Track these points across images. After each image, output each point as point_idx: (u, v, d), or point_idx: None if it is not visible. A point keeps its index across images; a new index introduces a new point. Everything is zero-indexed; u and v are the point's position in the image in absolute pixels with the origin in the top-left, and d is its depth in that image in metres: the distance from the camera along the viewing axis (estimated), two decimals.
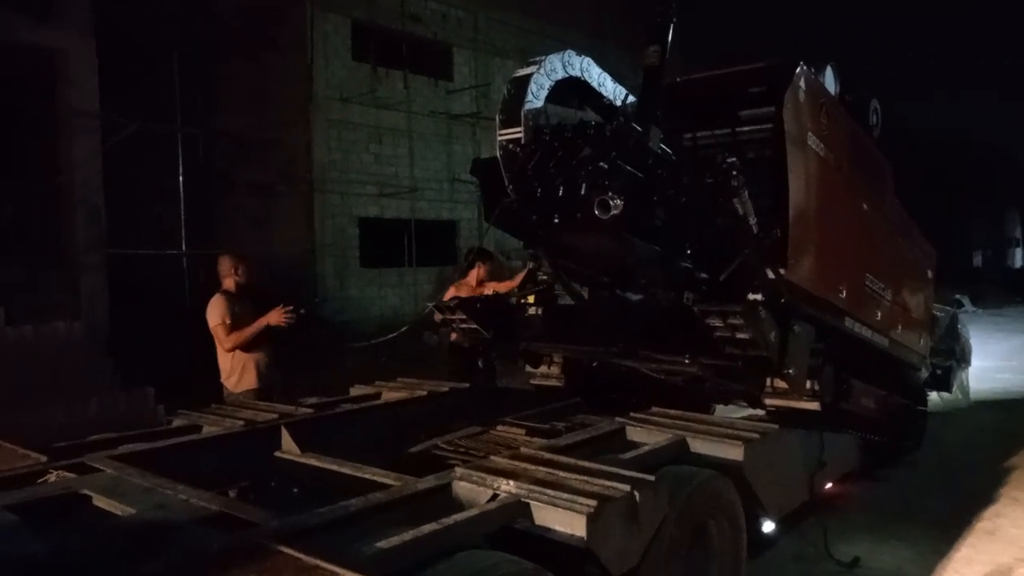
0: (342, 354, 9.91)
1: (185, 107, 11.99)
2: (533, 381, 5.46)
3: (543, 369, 5.41)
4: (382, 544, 2.22)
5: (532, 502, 2.63)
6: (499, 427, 4.29)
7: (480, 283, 6.38)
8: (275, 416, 4.00)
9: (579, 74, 4.34)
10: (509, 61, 16.42)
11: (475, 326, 5.08)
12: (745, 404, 4.93)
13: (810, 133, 4.04)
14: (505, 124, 4.14)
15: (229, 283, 5.04)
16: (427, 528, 2.34)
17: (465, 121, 15.61)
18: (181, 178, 11.71)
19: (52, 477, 3.01)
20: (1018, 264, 32.75)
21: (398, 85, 14.22)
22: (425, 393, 4.82)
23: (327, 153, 13.39)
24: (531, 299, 5.09)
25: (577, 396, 4.96)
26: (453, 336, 6.11)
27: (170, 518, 2.49)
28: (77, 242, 8.76)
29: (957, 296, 8.39)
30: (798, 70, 3.95)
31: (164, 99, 11.74)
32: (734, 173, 3.64)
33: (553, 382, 5.34)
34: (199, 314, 5.14)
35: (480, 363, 5.64)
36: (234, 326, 4.87)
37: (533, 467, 2.92)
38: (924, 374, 6.26)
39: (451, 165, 15.51)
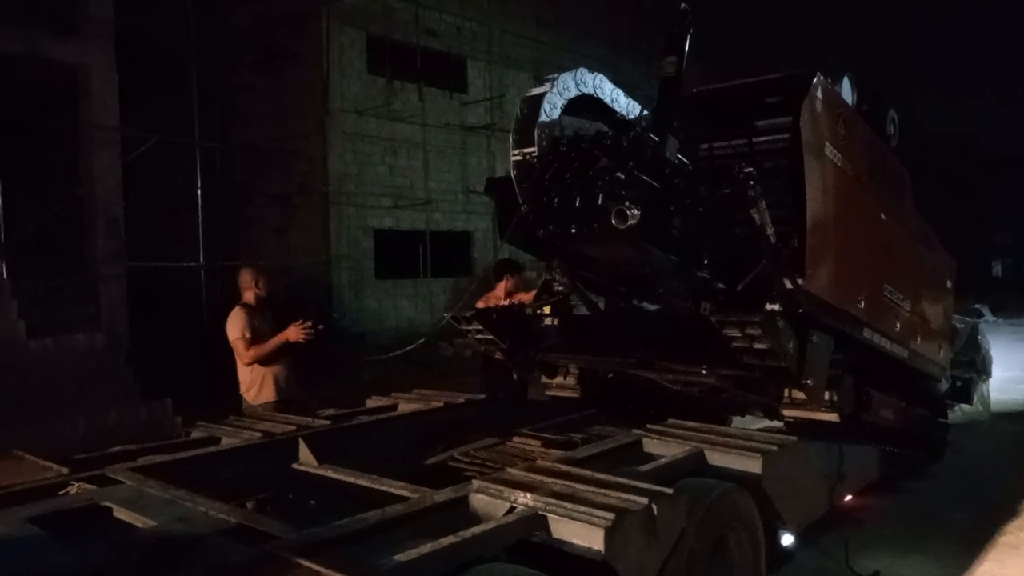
0: (359, 366, 9.95)
1: (203, 120, 12.15)
2: (549, 392, 5.45)
3: (559, 380, 5.40)
4: (400, 557, 2.22)
5: (549, 515, 2.62)
6: (515, 439, 4.27)
7: (508, 295, 6.34)
8: (292, 428, 4.02)
9: (592, 91, 4.34)
10: (523, 73, 16.51)
11: (491, 337, 5.09)
12: (762, 415, 4.90)
13: (827, 143, 4.02)
14: (518, 144, 4.15)
15: (249, 296, 5.07)
16: (445, 541, 2.34)
17: (479, 133, 15.69)
18: (200, 191, 11.84)
19: (73, 489, 3.03)
20: None
21: (413, 98, 14.32)
22: (441, 404, 4.82)
23: (342, 165, 13.49)
24: (547, 310, 5.09)
25: (593, 407, 4.94)
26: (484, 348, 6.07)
27: (191, 531, 2.51)
28: (97, 254, 8.87)
29: (976, 306, 8.29)
30: (815, 80, 3.94)
31: (182, 113, 11.90)
32: (751, 183, 3.63)
33: (569, 393, 5.33)
34: (218, 326, 5.17)
35: (514, 375, 5.63)
36: (254, 340, 4.91)
37: (550, 479, 2.91)
38: (944, 386, 6.19)
39: (465, 177, 15.58)
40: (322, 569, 2.06)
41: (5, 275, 7.71)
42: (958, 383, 6.79)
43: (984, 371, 7.61)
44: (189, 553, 2.33)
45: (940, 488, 5.67)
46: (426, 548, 2.28)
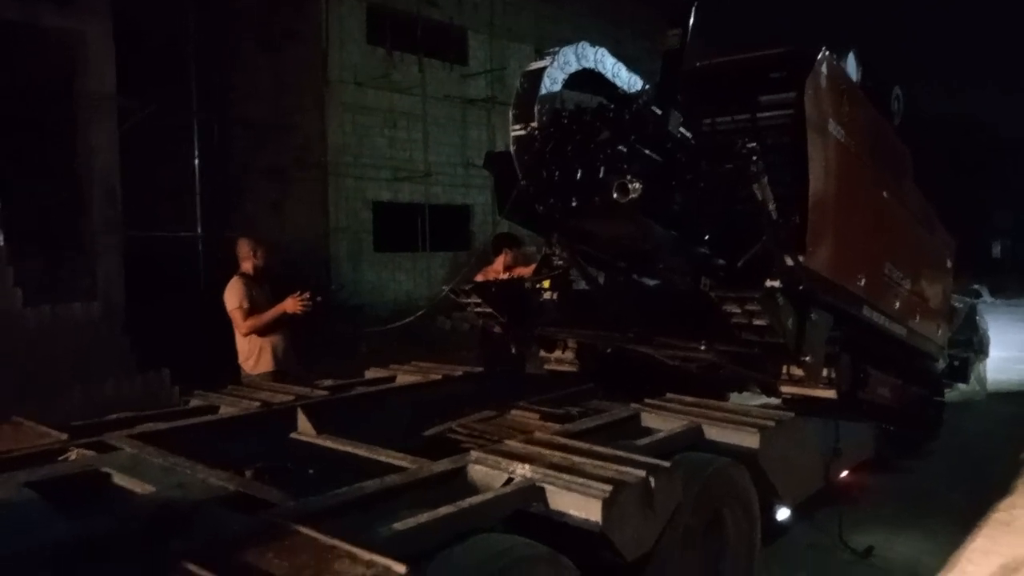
0: (356, 338, 9.94)
1: (201, 93, 12.03)
2: (547, 366, 5.45)
3: (557, 354, 5.40)
4: (398, 525, 2.24)
5: (547, 486, 2.62)
6: (513, 411, 4.28)
7: (507, 269, 6.32)
8: (291, 398, 4.02)
9: (593, 65, 4.30)
10: (525, 46, 16.33)
11: (490, 310, 5.09)
12: (760, 391, 4.91)
13: (831, 119, 3.98)
14: (518, 118, 4.11)
15: (247, 266, 5.06)
16: (443, 510, 2.35)
17: (480, 106, 15.55)
18: (197, 162, 11.76)
19: (72, 455, 3.04)
20: None
21: (413, 69, 14.17)
22: (440, 377, 4.82)
23: (341, 137, 13.38)
24: (546, 284, 5.08)
25: (591, 382, 4.95)
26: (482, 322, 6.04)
27: (189, 497, 2.51)
28: (94, 224, 8.82)
29: (975, 286, 8.27)
30: (820, 55, 3.89)
31: (180, 85, 11.77)
32: (754, 159, 3.61)
33: (567, 367, 5.33)
34: (214, 297, 5.16)
35: (513, 349, 5.63)
36: (251, 310, 4.90)
37: (548, 451, 2.92)
38: (942, 365, 6.20)
39: (465, 150, 15.47)
40: (321, 537, 2.06)
41: (2, 243, 7.66)
42: (955, 362, 6.80)
43: (981, 351, 7.63)
44: (188, 520, 2.33)
45: (936, 467, 5.71)
46: (424, 518, 2.29)
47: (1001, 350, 9.53)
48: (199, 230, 11.77)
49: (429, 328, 11.44)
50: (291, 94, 13.25)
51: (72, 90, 8.78)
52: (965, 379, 7.19)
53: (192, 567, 1.89)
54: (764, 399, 4.70)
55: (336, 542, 2.03)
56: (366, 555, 1.95)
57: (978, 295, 9.88)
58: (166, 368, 7.61)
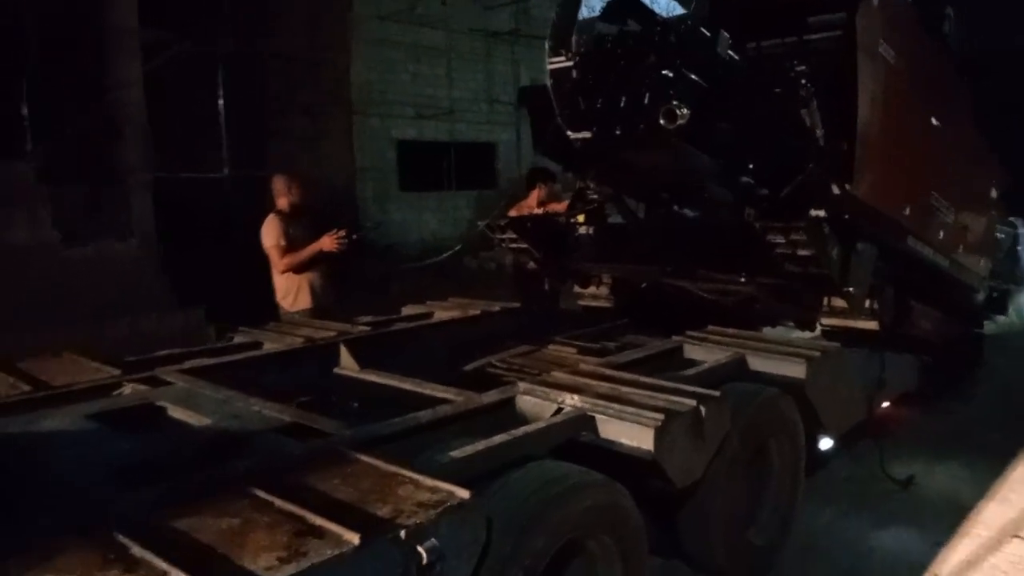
0: (387, 276, 9.98)
1: (232, 26, 11.85)
2: (581, 302, 5.44)
3: (592, 290, 5.39)
4: (455, 453, 2.26)
5: (597, 416, 2.63)
6: (550, 346, 4.29)
7: (541, 204, 6.24)
8: (333, 334, 4.05)
9: None
10: None
11: (525, 245, 5.06)
12: (792, 325, 4.86)
13: (882, 41, 3.83)
14: (555, 49, 3.98)
15: (283, 203, 5.04)
16: (498, 438, 2.37)
17: (504, 40, 15.20)
18: (221, 102, 11.67)
19: (127, 389, 3.10)
20: None
21: (436, 2, 13.83)
22: (478, 312, 4.83)
23: (365, 73, 13.17)
24: (581, 218, 5.03)
25: (625, 317, 4.93)
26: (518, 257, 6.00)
27: (246, 427, 2.56)
28: (126, 162, 8.81)
29: (1011, 218, 8.06)
30: None
31: (209, 19, 11.59)
32: (803, 82, 3.49)
33: (602, 303, 5.33)
34: (245, 237, 5.15)
35: (547, 285, 5.61)
36: (289, 248, 4.91)
37: (596, 382, 2.92)
38: (982, 296, 6.09)
39: (490, 86, 15.20)
40: (382, 464, 2.09)
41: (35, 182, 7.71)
42: (994, 294, 6.67)
43: (1022, 283, 7.47)
44: (247, 446, 2.38)
45: (975, 408, 5.63)
46: (480, 445, 2.31)
47: None
48: (226, 171, 11.74)
49: (456, 267, 11.44)
50: (323, 29, 12.96)
51: (100, 24, 8.66)
52: (1004, 311, 7.05)
53: (258, 491, 1.93)
54: (797, 333, 4.66)
55: (397, 468, 2.06)
56: (429, 481, 1.98)
57: (1013, 227, 9.61)
58: (202, 307, 7.72)
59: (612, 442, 2.59)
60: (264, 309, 5.13)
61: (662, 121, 3.23)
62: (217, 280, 8.44)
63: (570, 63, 3.88)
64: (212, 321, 7.46)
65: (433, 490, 1.95)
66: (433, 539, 1.80)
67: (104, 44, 8.42)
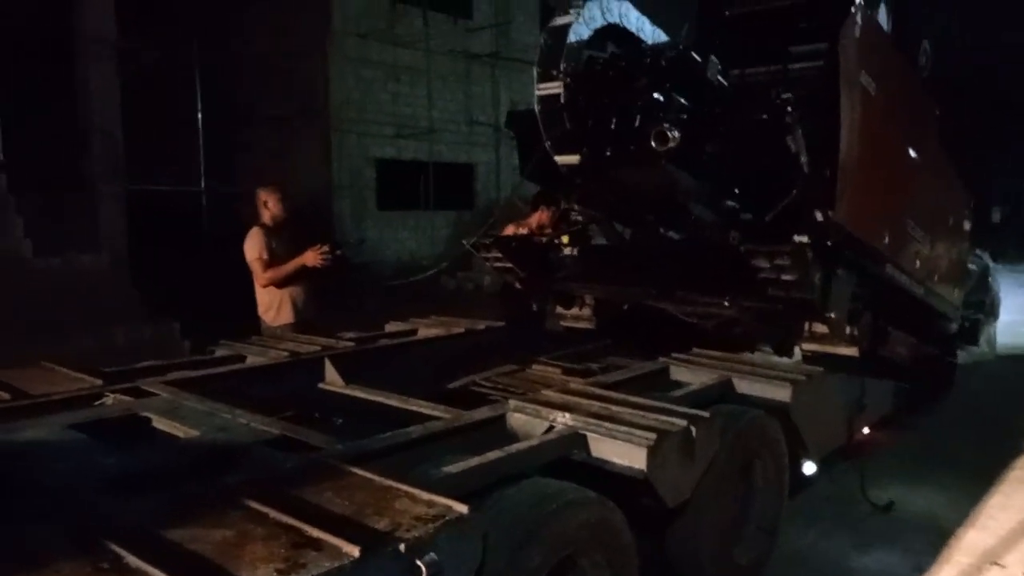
0: (363, 294, 9.92)
1: (202, 40, 11.79)
2: (563, 323, 5.45)
3: (574, 311, 5.40)
4: (450, 468, 2.24)
5: (589, 434, 2.63)
6: (535, 366, 4.30)
7: (540, 228, 6.23)
8: (317, 348, 4.01)
9: (617, 20, 4.19)
10: None
11: (509, 265, 5.06)
12: (770, 350, 4.91)
13: (863, 72, 3.92)
14: (544, 76, 4.01)
15: (266, 216, 5.00)
16: (492, 455, 2.36)
17: (484, 61, 15.31)
18: (199, 112, 11.58)
19: (109, 400, 3.03)
20: None
21: (416, 22, 13.90)
22: (462, 330, 4.82)
23: (344, 91, 13.16)
24: (565, 239, 5.05)
25: (607, 339, 4.95)
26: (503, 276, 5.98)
27: (234, 439, 2.52)
28: (94, 172, 8.68)
29: (978, 251, 8.26)
30: (854, 7, 3.82)
31: (180, 33, 11.52)
32: (789, 109, 3.56)
33: (584, 324, 5.34)
34: (220, 250, 5.09)
35: (534, 306, 5.61)
36: (271, 261, 4.86)
37: (587, 401, 2.93)
38: (955, 326, 6.22)
39: (469, 107, 15.28)
40: (376, 477, 2.07)
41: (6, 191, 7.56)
42: (966, 324, 6.82)
43: (992, 313, 7.65)
44: (237, 458, 2.33)
45: (949, 426, 5.74)
46: (474, 461, 2.30)
47: (1006, 313, 9.55)
48: (202, 184, 11.63)
49: (434, 287, 11.42)
50: (302, 46, 12.91)
51: (71, 31, 8.57)
52: (975, 341, 7.21)
53: (253, 503, 1.89)
54: (775, 358, 4.71)
55: (392, 482, 2.03)
56: (426, 495, 1.96)
57: (982, 259, 9.87)
58: (176, 321, 7.60)
59: (604, 460, 2.59)
60: (242, 323, 5.07)
61: (653, 143, 3.27)
62: (191, 294, 8.33)
63: (559, 89, 3.91)
64: (188, 335, 7.34)
65: (430, 504, 1.93)
66: (432, 553, 1.78)
67: (77, 52, 8.32)
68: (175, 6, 11.51)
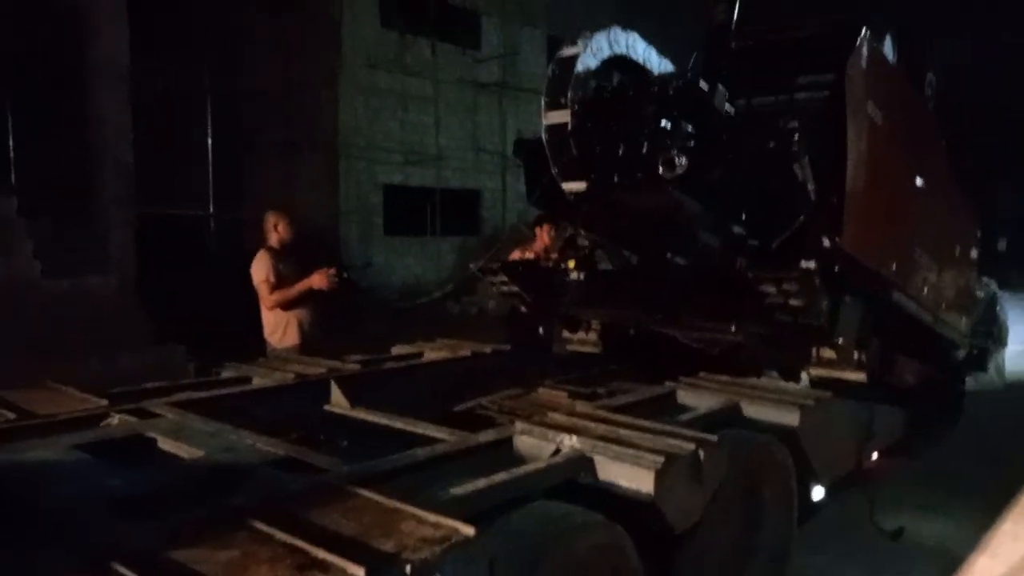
0: (366, 318, 9.93)
1: (213, 66, 11.96)
2: (569, 347, 5.45)
3: (580, 335, 5.40)
4: (457, 490, 2.23)
5: (596, 457, 2.61)
6: (540, 389, 4.29)
7: (547, 253, 6.25)
8: (323, 370, 4.01)
9: (625, 51, 4.23)
10: (537, 30, 16.25)
11: (516, 289, 5.08)
12: (776, 375, 4.88)
13: (870, 101, 3.96)
14: (551, 105, 4.04)
15: (273, 240, 5.03)
16: (499, 477, 2.34)
17: (492, 90, 15.48)
18: (210, 139, 11.70)
19: (114, 420, 3.03)
20: None
21: (425, 52, 14.10)
22: (469, 353, 4.81)
23: (353, 118, 13.32)
24: (571, 264, 5.06)
25: (613, 363, 4.94)
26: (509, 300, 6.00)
27: (240, 460, 2.51)
28: (105, 197, 8.76)
29: (984, 279, 8.25)
30: (860, 39, 3.86)
31: (191, 59, 11.69)
32: (796, 137, 3.58)
33: (590, 348, 5.34)
34: (226, 275, 5.12)
35: (541, 330, 5.62)
36: (278, 284, 4.88)
37: (593, 424, 2.91)
38: (963, 353, 6.19)
39: (477, 135, 15.42)
40: (380, 498, 2.06)
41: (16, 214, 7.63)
42: (974, 351, 6.78)
43: (1000, 341, 7.61)
44: (243, 479, 2.32)
45: (957, 453, 5.68)
46: (481, 483, 2.28)
47: (1013, 342, 9.49)
48: (211, 209, 11.72)
49: (438, 312, 11.43)
50: (302, 67, 13.09)
51: (83, 57, 8.69)
52: (984, 368, 7.16)
53: (258, 524, 1.88)
54: (781, 383, 4.69)
55: (398, 504, 2.02)
56: (432, 517, 1.94)
57: (989, 287, 9.84)
58: (182, 345, 7.61)
59: (611, 483, 2.57)
60: (248, 346, 5.07)
61: (661, 170, 3.29)
62: (197, 318, 8.36)
63: (567, 118, 3.93)
64: (194, 358, 7.35)
65: (436, 526, 1.92)
66: (438, 575, 1.77)
67: (90, 78, 8.44)
68: (188, 34, 11.68)
